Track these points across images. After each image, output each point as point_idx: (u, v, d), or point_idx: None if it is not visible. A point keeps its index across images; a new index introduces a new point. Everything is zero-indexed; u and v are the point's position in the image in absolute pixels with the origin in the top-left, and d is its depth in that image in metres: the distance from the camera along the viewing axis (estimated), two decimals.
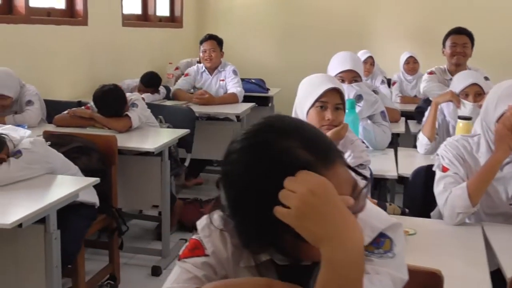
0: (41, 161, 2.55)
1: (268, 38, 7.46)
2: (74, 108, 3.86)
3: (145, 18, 6.44)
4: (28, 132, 2.61)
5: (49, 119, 4.03)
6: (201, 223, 1.16)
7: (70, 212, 2.55)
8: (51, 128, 3.76)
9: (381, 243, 1.06)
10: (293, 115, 2.40)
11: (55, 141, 2.93)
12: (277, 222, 0.91)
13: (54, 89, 4.67)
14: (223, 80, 5.13)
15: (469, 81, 2.99)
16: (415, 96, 5.17)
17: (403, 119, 4.15)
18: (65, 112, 3.83)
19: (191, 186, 5.18)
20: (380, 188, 3.17)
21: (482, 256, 1.76)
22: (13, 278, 2.35)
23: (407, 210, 2.29)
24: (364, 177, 1.05)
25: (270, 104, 5.96)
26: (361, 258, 0.90)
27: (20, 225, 2.06)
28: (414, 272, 1.15)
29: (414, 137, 3.79)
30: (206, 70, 5.17)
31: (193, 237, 1.17)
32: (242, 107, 4.83)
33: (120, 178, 3.25)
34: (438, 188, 2.09)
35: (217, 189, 1.04)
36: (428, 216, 2.30)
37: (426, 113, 3.11)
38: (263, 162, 0.94)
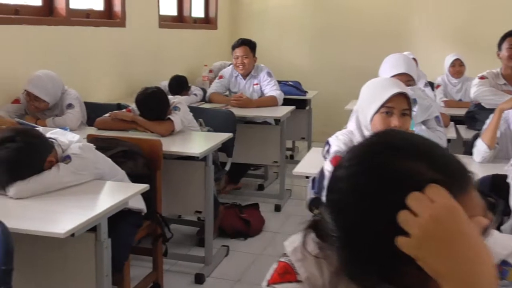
0: (90, 167, 2.48)
1: (303, 40, 7.35)
2: (115, 111, 3.80)
3: (181, 20, 6.39)
4: (76, 136, 2.54)
5: (89, 121, 3.99)
6: (290, 244, 1.05)
7: (117, 219, 2.46)
8: (92, 131, 3.69)
9: (504, 272, 0.94)
10: (352, 121, 2.28)
11: (100, 145, 2.86)
12: (399, 253, 0.79)
13: (92, 91, 4.62)
14: (257, 84, 5.03)
15: None
16: (460, 100, 5.01)
17: (451, 124, 4.00)
18: (107, 115, 3.77)
19: (228, 191, 5.09)
20: None
21: None
22: (62, 287, 2.28)
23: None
24: (494, 199, 0.92)
25: (307, 107, 5.85)
26: None
27: (72, 234, 1.98)
28: None
29: (465, 143, 3.65)
30: (239, 74, 5.06)
31: (282, 259, 1.05)
32: (282, 110, 4.73)
33: (162, 183, 3.17)
34: None
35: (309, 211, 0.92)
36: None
37: (488, 120, 2.95)
38: (384, 187, 0.82)
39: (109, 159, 2.69)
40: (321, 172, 2.55)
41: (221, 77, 5.14)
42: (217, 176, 3.99)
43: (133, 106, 3.84)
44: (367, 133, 2.16)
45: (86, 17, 4.66)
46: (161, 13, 5.74)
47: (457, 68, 5.09)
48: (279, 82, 5.32)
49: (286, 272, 1.02)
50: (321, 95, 6.25)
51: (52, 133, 2.52)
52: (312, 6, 7.26)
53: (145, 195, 2.81)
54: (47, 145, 2.35)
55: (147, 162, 3.00)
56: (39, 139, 2.32)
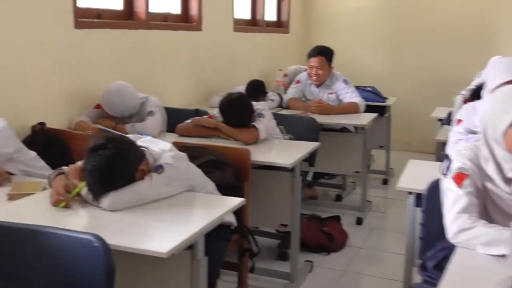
0: (183, 178, 2.32)
1: (378, 44, 7.08)
2: (197, 117, 3.66)
3: (254, 23, 6.24)
4: (168, 145, 2.39)
5: (168, 127, 3.87)
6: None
7: (207, 234, 2.30)
8: (173, 137, 3.56)
9: None
10: (483, 134, 2.00)
11: (188, 153, 2.70)
12: None
13: (168, 96, 4.51)
14: (332, 94, 4.79)
15: None
16: None
17: None
18: (188, 121, 3.64)
19: (304, 200, 4.88)
20: None
21: None
22: None
23: None
24: None
25: (387, 114, 5.58)
26: None
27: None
28: None
29: None
30: (313, 83, 4.85)
31: None
32: (365, 118, 4.49)
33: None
34: None
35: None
36: None
37: None
38: None
39: (200, 170, 2.53)
40: (431, 189, 2.32)
41: (298, 82, 4.94)
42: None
43: (214, 112, 3.70)
44: (498, 148, 1.92)
45: (164, 21, 4.56)
46: (235, 16, 5.61)
47: None
48: (357, 87, 5.07)
49: None
50: (398, 102, 5.97)
51: (142, 141, 2.38)
52: (388, 8, 6.99)
53: None
54: (139, 153, 2.21)
55: (236, 172, 2.83)
56: (131, 147, 2.18)
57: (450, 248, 1.87)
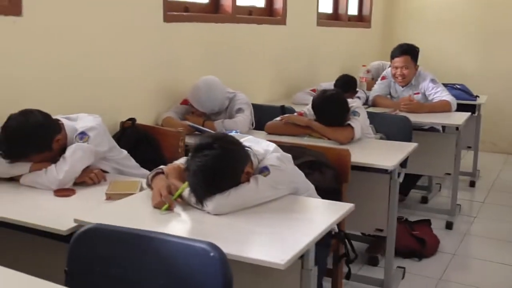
0: (288, 181, 2.19)
1: (467, 40, 6.75)
2: (287, 115, 3.53)
3: (336, 17, 6.05)
4: (272, 145, 2.26)
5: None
6: None
7: None
8: (261, 135, 3.45)
9: None
10: None
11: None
12: None
13: (252, 91, 4.39)
14: (418, 94, 4.54)
15: None
16: None
17: None
18: (278, 118, 3.52)
19: None
20: None
21: None
22: None
23: None
24: None
25: (477, 113, 5.29)
26: None
27: None
28: None
29: None
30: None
31: None
32: (460, 117, 4.24)
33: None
34: None
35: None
36: None
37: None
38: None
39: (301, 172, 2.39)
40: None
41: (383, 78, 4.73)
42: None
43: (304, 109, 3.55)
44: None
45: (248, 14, 4.45)
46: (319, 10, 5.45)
47: None
48: (445, 85, 4.80)
49: None
50: (488, 101, 5.65)
51: (245, 140, 2.26)
52: (478, 2, 6.64)
53: None
54: (245, 154, 2.09)
55: (335, 174, 2.68)
56: (237, 147, 2.06)
57: None
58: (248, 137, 2.31)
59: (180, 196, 2.10)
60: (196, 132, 3.36)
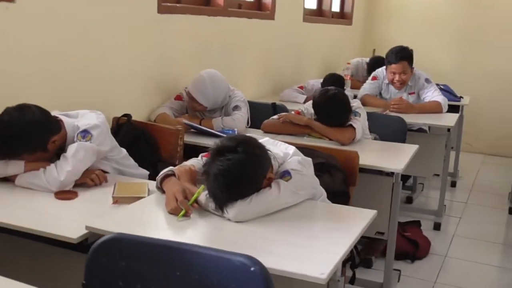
0: (309, 186, 2.10)
1: (449, 40, 6.76)
2: (285, 113, 3.43)
3: (320, 14, 5.98)
4: (291, 148, 2.16)
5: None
6: None
7: None
8: (259, 134, 3.34)
9: None
10: None
11: None
12: None
13: (241, 88, 4.27)
14: (412, 93, 4.50)
15: None
16: None
17: None
18: (275, 117, 3.42)
19: None
20: None
21: None
22: None
23: None
24: None
25: (460, 114, 5.28)
26: None
27: None
28: None
29: None
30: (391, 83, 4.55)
31: None
32: (451, 118, 4.21)
33: None
34: None
35: None
36: None
37: None
38: None
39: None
40: None
41: (374, 78, 4.65)
42: None
43: (302, 107, 3.46)
44: None
45: (238, 8, 4.32)
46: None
47: None
48: None
49: None
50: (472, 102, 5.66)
51: (263, 142, 2.14)
52: (461, 2, 6.65)
53: None
54: (268, 159, 1.98)
55: (345, 177, 2.60)
56: (262, 152, 1.95)
57: None
58: (265, 139, 2.20)
59: (196, 201, 1.98)
60: (192, 130, 3.23)
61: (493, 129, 6.70)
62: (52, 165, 2.24)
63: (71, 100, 2.76)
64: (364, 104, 4.47)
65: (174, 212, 1.92)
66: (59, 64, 2.72)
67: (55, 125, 2.30)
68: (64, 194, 2.17)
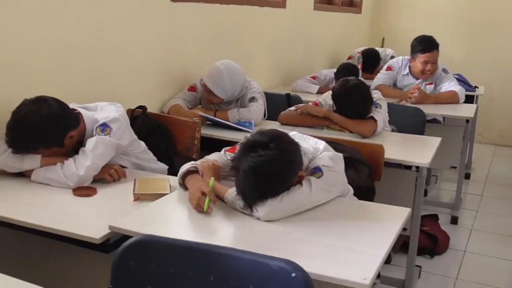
0: (340, 182, 2.00)
1: (459, 29, 6.64)
2: (302, 104, 3.33)
3: (329, 1, 5.85)
4: (322, 143, 2.06)
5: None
6: None
7: None
8: (275, 126, 3.24)
9: None
10: None
11: None
12: None
13: (252, 78, 4.18)
14: (431, 84, 4.39)
15: None
16: None
17: None
18: (292, 108, 3.32)
19: None
20: None
21: None
22: None
23: None
24: None
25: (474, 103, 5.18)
26: None
27: None
28: None
29: None
30: (410, 73, 4.43)
31: None
32: (469, 109, 4.11)
33: None
34: None
35: None
36: None
37: None
38: None
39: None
40: None
41: (389, 68, 4.53)
42: None
43: (319, 98, 3.35)
44: None
45: None
46: None
47: None
48: None
49: None
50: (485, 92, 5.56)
51: (293, 135, 2.04)
52: None
53: None
54: (301, 156, 1.87)
55: (371, 171, 2.50)
56: (295, 148, 1.84)
57: None
58: (293, 133, 2.09)
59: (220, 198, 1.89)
60: (207, 122, 3.13)
61: (504, 119, 6.60)
62: (70, 159, 2.15)
63: (85, 92, 2.66)
64: None
65: (198, 208, 1.83)
66: (72, 56, 2.61)
67: (73, 119, 2.21)
68: (82, 191, 2.07)
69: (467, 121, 4.03)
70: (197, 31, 3.50)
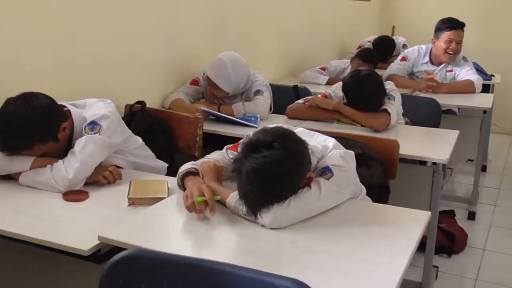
0: (352, 183, 1.83)
1: (471, 16, 6.35)
2: (310, 97, 3.15)
3: None
4: (331, 140, 1.89)
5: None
6: None
7: None
8: (281, 120, 3.08)
9: None
10: None
11: None
12: None
13: (258, 69, 4.00)
14: (451, 71, 4.20)
15: None
16: None
17: None
18: (300, 101, 3.15)
19: None
20: None
21: None
22: None
23: None
24: None
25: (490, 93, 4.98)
26: None
27: None
28: None
29: None
30: (430, 61, 4.24)
31: None
32: (486, 99, 3.92)
33: None
34: None
35: None
36: None
37: None
38: None
39: None
40: None
41: (404, 59, 4.34)
42: None
43: (329, 90, 3.18)
44: None
45: None
46: None
47: None
48: None
49: None
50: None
51: (298, 132, 1.87)
52: None
53: None
54: (309, 155, 1.70)
55: (385, 169, 2.32)
56: (302, 148, 1.67)
57: None
58: (300, 129, 1.92)
59: (219, 201, 1.73)
60: (211, 117, 2.97)
61: None
62: (60, 161, 1.99)
63: (79, 88, 2.51)
64: None
65: (191, 209, 1.67)
66: (64, 50, 2.45)
67: (63, 111, 2.06)
68: (73, 195, 1.91)
69: (484, 111, 3.83)
70: (199, 20, 3.33)
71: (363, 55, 4.31)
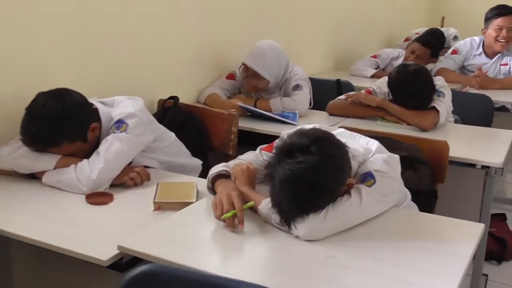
0: (396, 190, 1.67)
1: None
2: (353, 93, 2.99)
3: None
4: (374, 143, 1.72)
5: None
6: None
7: None
8: (322, 117, 2.93)
9: None
10: None
11: None
12: None
13: (302, 62, 3.83)
14: (505, 65, 3.95)
15: None
16: None
17: None
18: (342, 97, 2.99)
19: None
20: None
21: None
22: None
23: None
24: None
25: None
26: None
27: None
28: None
29: None
30: (484, 53, 4.00)
31: None
32: None
33: None
34: None
35: None
36: None
37: None
38: None
39: None
40: None
41: (455, 52, 4.11)
42: None
43: (373, 86, 3.00)
44: None
45: None
46: None
47: None
48: None
49: None
50: None
51: (338, 133, 1.71)
52: None
53: None
54: (349, 160, 1.54)
55: (432, 173, 2.15)
56: (341, 152, 1.52)
57: None
58: (339, 130, 1.77)
59: (251, 208, 1.59)
60: (248, 113, 2.84)
61: None
62: (85, 161, 1.89)
63: (110, 84, 2.42)
64: None
65: (221, 219, 1.54)
66: (92, 44, 2.35)
67: (94, 111, 1.98)
68: (97, 198, 1.81)
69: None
70: (235, 8, 3.19)
71: (423, 38, 4.07)
